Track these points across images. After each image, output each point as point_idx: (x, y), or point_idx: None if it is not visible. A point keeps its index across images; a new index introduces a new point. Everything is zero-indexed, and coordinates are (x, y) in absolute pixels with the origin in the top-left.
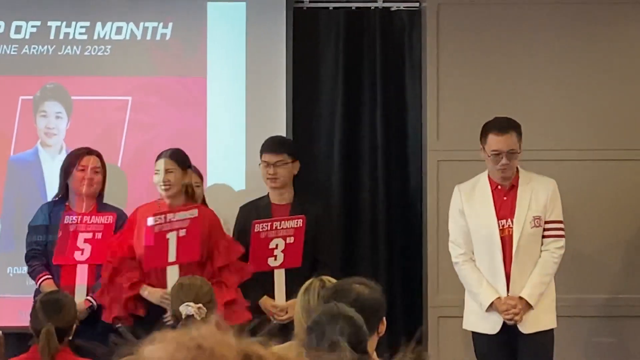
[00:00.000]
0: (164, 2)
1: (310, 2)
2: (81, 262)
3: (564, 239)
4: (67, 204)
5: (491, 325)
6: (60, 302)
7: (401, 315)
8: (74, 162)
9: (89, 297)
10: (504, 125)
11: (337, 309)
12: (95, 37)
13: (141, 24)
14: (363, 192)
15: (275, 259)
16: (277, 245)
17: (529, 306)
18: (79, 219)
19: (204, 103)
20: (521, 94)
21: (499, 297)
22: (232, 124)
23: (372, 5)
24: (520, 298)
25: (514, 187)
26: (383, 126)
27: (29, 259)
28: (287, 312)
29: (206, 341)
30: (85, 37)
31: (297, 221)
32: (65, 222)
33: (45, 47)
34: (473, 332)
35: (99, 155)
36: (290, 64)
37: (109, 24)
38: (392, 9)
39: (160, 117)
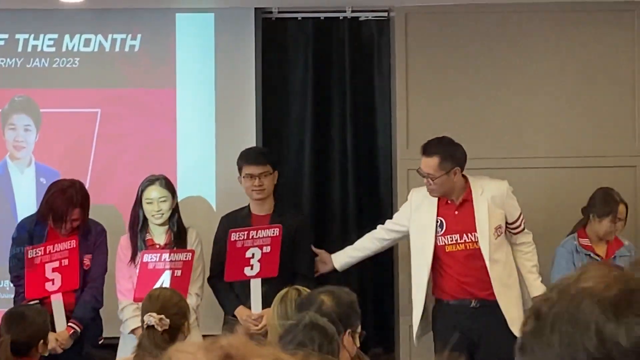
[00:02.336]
0: (132, 14)
1: (279, 12)
2: (54, 292)
3: (529, 232)
4: (49, 222)
5: None
6: (23, 315)
7: (372, 325)
8: (59, 214)
9: (70, 324)
10: (428, 146)
11: (308, 318)
12: (64, 49)
13: (109, 36)
14: (333, 200)
15: (252, 269)
16: (253, 254)
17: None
18: (42, 250)
19: (173, 114)
20: (490, 102)
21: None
22: (202, 134)
23: (340, 15)
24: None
25: (466, 201)
26: (353, 135)
27: (20, 278)
28: (261, 322)
29: (236, 350)
30: (53, 49)
31: (273, 230)
32: (29, 256)
33: (14, 59)
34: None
35: (82, 205)
36: (259, 74)
37: (77, 36)
38: (361, 19)
39: (129, 129)
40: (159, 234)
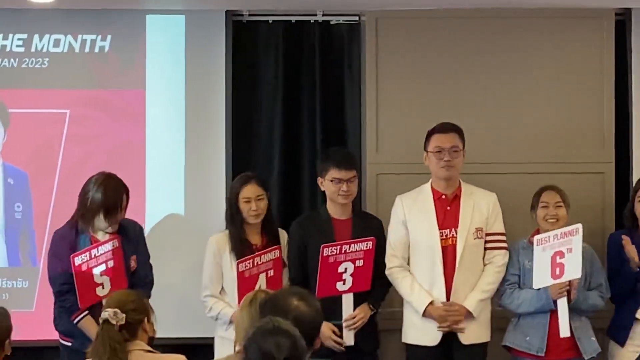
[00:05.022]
0: (103, 15)
1: (249, 15)
2: (106, 296)
3: (507, 251)
4: (90, 232)
5: (432, 337)
6: None
7: None
8: (113, 204)
9: None
10: (447, 126)
11: (273, 323)
12: (33, 49)
13: (79, 37)
14: (303, 204)
15: (344, 283)
16: (346, 269)
17: (470, 316)
18: (88, 255)
19: (142, 116)
20: (460, 106)
21: (432, 302)
22: (171, 136)
23: (311, 18)
24: (461, 306)
25: (457, 197)
26: (322, 139)
27: (62, 293)
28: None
29: None
30: (22, 49)
31: (367, 243)
32: (76, 264)
33: None
34: (409, 345)
35: (127, 192)
36: (229, 77)
37: (46, 36)
38: (332, 22)
39: (98, 130)
40: (253, 234)
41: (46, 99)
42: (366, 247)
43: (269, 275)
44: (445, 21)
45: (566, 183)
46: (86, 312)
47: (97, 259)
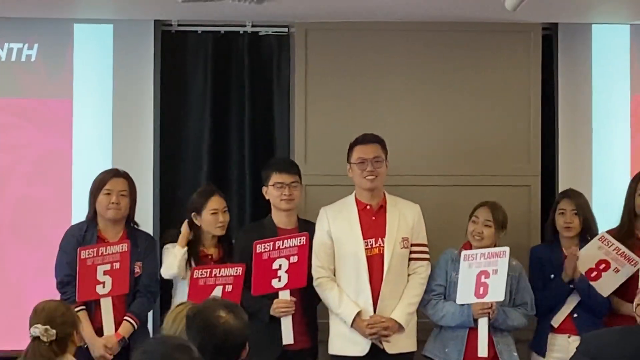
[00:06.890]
0: (29, 23)
1: (178, 25)
2: (105, 296)
3: (429, 262)
4: (98, 229)
5: (360, 347)
6: None
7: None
8: (100, 185)
9: (127, 318)
10: (369, 137)
11: (170, 340)
12: None
13: (6, 45)
14: (231, 217)
15: (279, 280)
16: (280, 265)
17: (400, 327)
18: (95, 252)
19: (69, 125)
20: (388, 118)
21: (359, 312)
22: (98, 146)
23: (240, 29)
24: (390, 319)
25: (382, 207)
26: (251, 150)
27: (63, 285)
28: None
29: None
30: None
31: (300, 239)
32: (82, 257)
33: None
34: (335, 356)
35: (127, 177)
36: (158, 87)
37: None
38: (261, 34)
39: (24, 139)
40: (209, 245)
41: None
42: (300, 242)
43: (225, 290)
44: (374, 33)
45: (492, 196)
46: (83, 306)
47: (104, 258)
